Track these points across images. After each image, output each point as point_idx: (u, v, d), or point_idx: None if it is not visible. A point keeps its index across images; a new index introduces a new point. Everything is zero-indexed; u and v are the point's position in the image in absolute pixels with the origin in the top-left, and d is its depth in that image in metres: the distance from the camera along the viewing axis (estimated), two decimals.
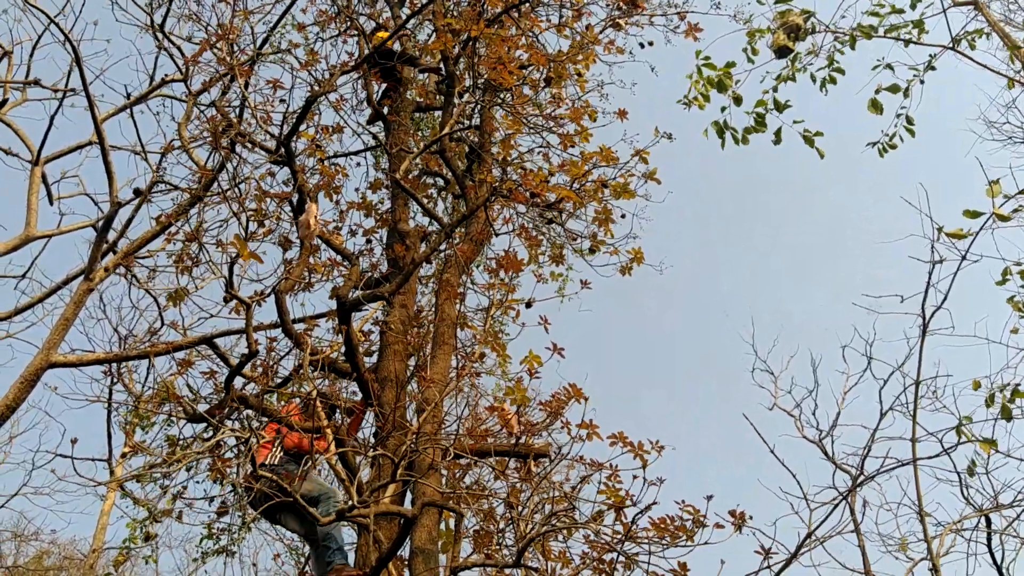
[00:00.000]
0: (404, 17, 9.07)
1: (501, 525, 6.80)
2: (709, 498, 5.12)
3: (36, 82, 8.10)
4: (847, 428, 5.73)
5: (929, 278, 3.73)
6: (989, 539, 5.64)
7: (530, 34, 8.19)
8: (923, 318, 3.79)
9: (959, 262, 3.77)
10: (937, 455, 3.71)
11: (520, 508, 6.46)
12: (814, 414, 5.84)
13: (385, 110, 8.74)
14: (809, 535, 3.79)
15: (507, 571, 6.14)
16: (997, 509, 5.61)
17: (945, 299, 3.76)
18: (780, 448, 5.06)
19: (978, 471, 4.26)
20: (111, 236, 7.41)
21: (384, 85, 8.95)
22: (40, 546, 14.62)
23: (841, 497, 4.02)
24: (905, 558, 6.29)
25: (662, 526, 6.44)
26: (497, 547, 6.64)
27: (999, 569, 5.83)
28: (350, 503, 4.90)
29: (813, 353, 6.09)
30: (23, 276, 8.72)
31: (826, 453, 5.57)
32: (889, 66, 5.57)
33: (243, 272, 7.11)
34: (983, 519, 5.86)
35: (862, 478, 4.04)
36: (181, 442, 6.20)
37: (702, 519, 6.18)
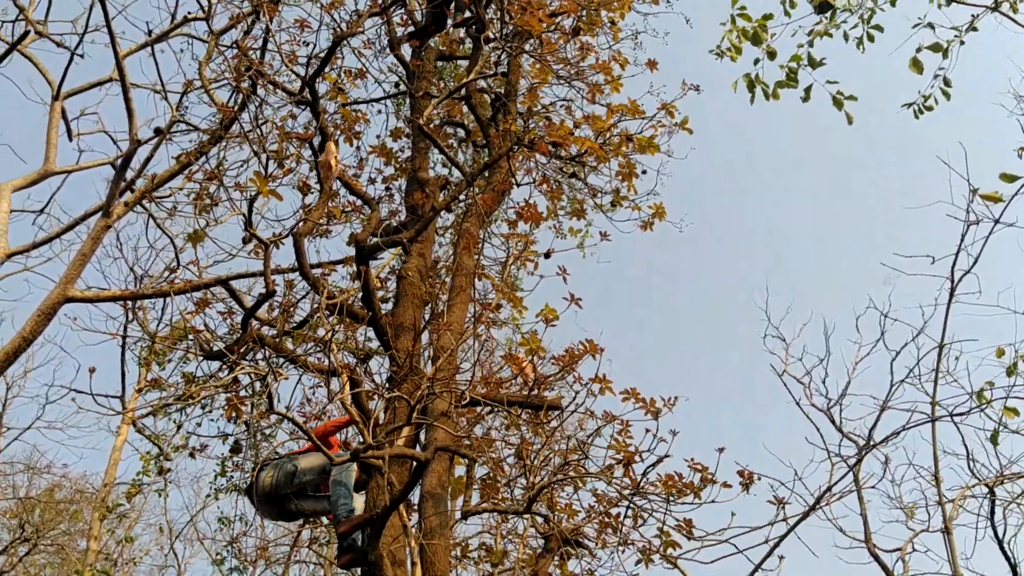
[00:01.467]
0: None
1: (511, 474, 6.84)
2: (721, 450, 5.11)
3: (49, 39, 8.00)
4: (857, 398, 5.71)
5: (962, 239, 3.66)
6: (992, 513, 5.64)
7: None
8: (952, 281, 3.73)
9: (992, 224, 3.71)
10: (961, 414, 3.67)
11: (531, 458, 6.49)
12: (824, 383, 5.82)
13: (409, 55, 8.62)
14: (827, 490, 3.78)
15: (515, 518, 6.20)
16: (1003, 479, 5.60)
17: (976, 262, 3.71)
18: (789, 417, 5.04)
19: (1000, 440, 4.22)
20: (129, 175, 7.40)
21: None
22: (52, 479, 14.88)
23: (856, 459, 4.00)
24: (908, 528, 6.31)
25: (670, 483, 6.47)
26: (506, 496, 6.69)
27: (1000, 543, 5.84)
28: (364, 444, 4.92)
29: (827, 321, 6.06)
30: (41, 211, 8.73)
31: (833, 422, 5.55)
32: (930, 24, 5.42)
33: (262, 211, 7.10)
34: (988, 491, 5.86)
35: (877, 439, 4.02)
36: (197, 379, 6.23)
37: (711, 476, 6.21)
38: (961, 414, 3.65)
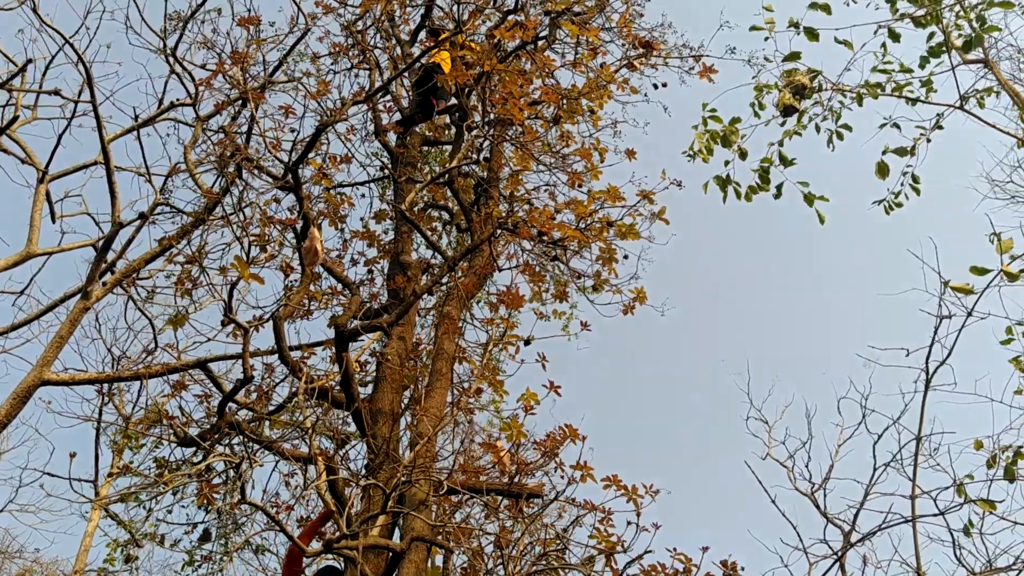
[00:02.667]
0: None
1: (490, 565, 6.67)
2: (705, 549, 5.02)
3: (56, 92, 8.14)
4: (841, 482, 5.66)
5: (935, 332, 3.69)
6: None
7: (544, 71, 8.25)
8: (927, 372, 3.74)
9: (965, 318, 3.74)
10: (938, 514, 3.64)
11: (510, 548, 6.35)
12: (807, 466, 5.77)
13: (393, 140, 8.76)
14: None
15: None
16: (992, 573, 5.52)
17: (950, 354, 3.73)
18: (774, 497, 4.99)
19: (974, 531, 4.17)
20: (110, 256, 7.40)
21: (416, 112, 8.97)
22: (23, 564, 14.39)
23: (835, 557, 3.94)
24: None
25: (653, 573, 6.34)
26: None
27: None
28: (338, 534, 4.80)
29: (808, 404, 6.05)
30: (21, 292, 8.69)
31: (818, 507, 5.49)
32: (896, 125, 5.57)
33: (242, 296, 7.09)
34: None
35: (856, 536, 3.97)
36: (170, 465, 6.11)
37: (693, 569, 6.09)
38: (940, 513, 3.62)
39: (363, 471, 6.18)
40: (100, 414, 7.54)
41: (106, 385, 7.62)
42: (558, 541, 5.87)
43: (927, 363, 3.75)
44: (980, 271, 3.70)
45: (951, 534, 5.21)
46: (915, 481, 3.57)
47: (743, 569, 5.95)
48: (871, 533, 3.75)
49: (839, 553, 4.02)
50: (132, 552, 6.66)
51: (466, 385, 7.42)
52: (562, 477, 6.61)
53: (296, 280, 7.93)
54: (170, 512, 6.69)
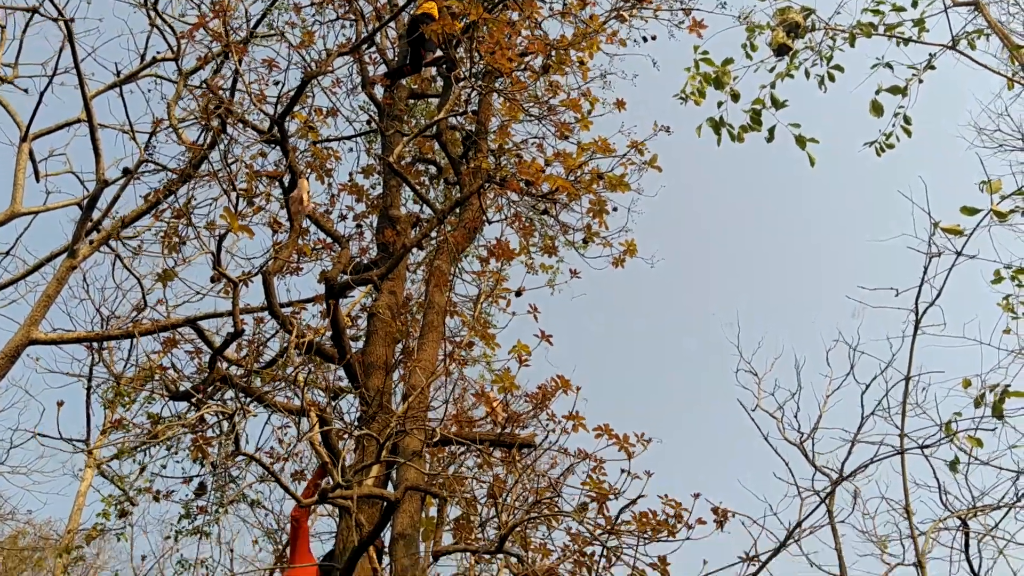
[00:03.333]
0: (400, 3, 8.99)
1: (483, 513, 6.75)
2: (696, 496, 5.07)
3: (35, 10, 7.93)
4: (828, 431, 5.72)
5: (925, 272, 3.70)
6: (967, 544, 5.65)
7: (532, 21, 8.13)
8: (916, 313, 3.77)
9: (954, 258, 3.75)
10: (926, 446, 3.67)
11: (503, 497, 6.41)
12: (796, 416, 5.84)
13: (380, 93, 8.65)
14: (798, 525, 3.76)
15: (488, 557, 6.10)
16: (976, 512, 5.61)
17: (939, 294, 3.74)
18: (762, 450, 5.04)
19: (960, 469, 4.23)
20: (96, 215, 7.34)
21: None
22: (16, 526, 14.48)
23: (822, 496, 4.00)
24: (883, 562, 6.30)
25: (644, 521, 6.42)
26: (479, 536, 6.59)
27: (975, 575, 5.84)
28: (332, 484, 4.83)
29: (798, 355, 6.10)
30: (7, 253, 8.63)
31: (807, 456, 5.56)
32: (888, 65, 5.54)
33: (232, 249, 7.04)
34: (961, 524, 5.87)
35: (848, 472, 4.01)
36: (162, 420, 6.11)
37: (685, 514, 6.18)
38: (928, 446, 3.66)
39: (356, 423, 6.20)
40: (91, 372, 7.53)
41: (95, 344, 7.61)
42: (551, 490, 5.93)
43: (916, 304, 3.77)
44: (970, 211, 3.70)
45: (936, 478, 5.30)
46: (904, 417, 3.60)
47: (733, 515, 6.05)
48: (862, 466, 3.79)
49: (827, 493, 4.08)
50: (127, 507, 6.67)
51: (458, 338, 7.42)
52: (554, 428, 6.67)
53: (285, 237, 7.89)
54: (164, 467, 6.68)
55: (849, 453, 5.16)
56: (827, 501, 5.46)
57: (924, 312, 3.77)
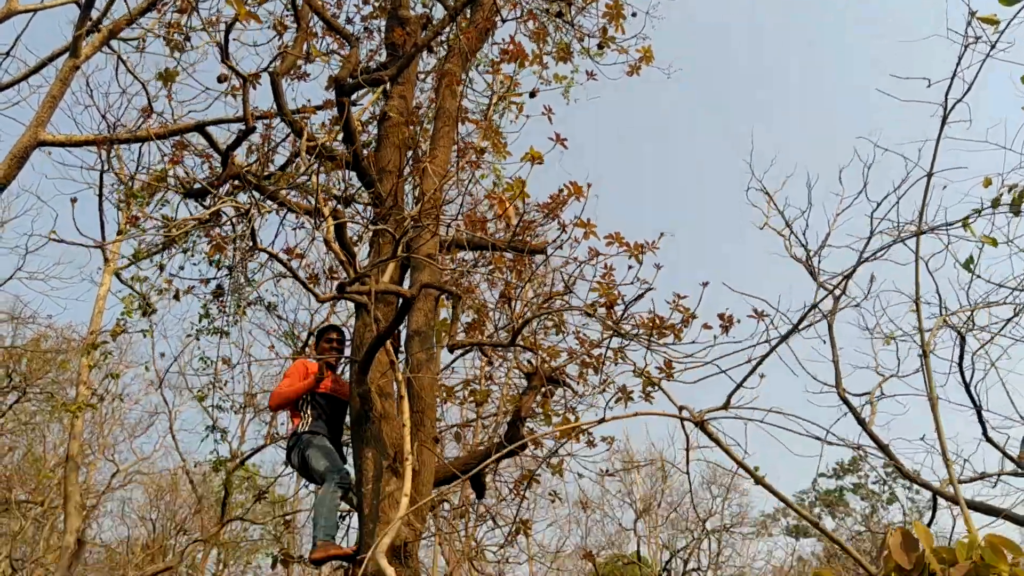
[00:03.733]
0: None
1: (496, 317, 6.94)
2: (704, 284, 5.16)
3: None
4: (836, 250, 5.74)
5: (958, 62, 3.58)
6: (961, 358, 5.81)
7: None
8: (944, 107, 3.68)
9: (988, 50, 3.62)
10: (952, 223, 3.65)
11: (515, 300, 6.56)
12: (804, 234, 5.85)
13: None
14: (811, 308, 3.86)
15: (500, 352, 6.33)
16: (973, 319, 5.73)
17: (970, 88, 3.64)
18: (769, 267, 5.07)
19: (974, 268, 4.28)
20: (95, 13, 7.07)
21: None
22: (37, 329, 14.99)
23: (843, 277, 4.06)
24: (876, 374, 6.51)
25: (652, 324, 6.60)
26: (491, 336, 6.80)
27: (967, 387, 6.05)
28: (348, 279, 4.93)
29: (811, 174, 6.03)
30: (7, 54, 8.39)
31: (812, 274, 5.62)
32: None
33: (240, 37, 6.82)
34: (958, 338, 6.02)
35: (862, 259, 4.03)
36: (177, 222, 6.15)
37: (692, 316, 6.35)
38: (951, 223, 3.67)
39: (371, 220, 6.23)
40: (102, 176, 7.52)
41: (105, 147, 7.55)
42: (563, 289, 6.05)
43: (946, 97, 3.68)
44: (1009, 1, 3.54)
45: (938, 295, 5.37)
46: (923, 213, 3.60)
47: (738, 322, 6.21)
48: (879, 252, 3.83)
49: (841, 279, 4.12)
50: (150, 304, 6.87)
51: (470, 141, 7.34)
52: (565, 237, 6.73)
53: (292, 37, 7.64)
54: (182, 268, 6.83)
55: (853, 271, 5.21)
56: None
57: (952, 107, 3.69)
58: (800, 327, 3.74)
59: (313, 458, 5.66)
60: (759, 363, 3.48)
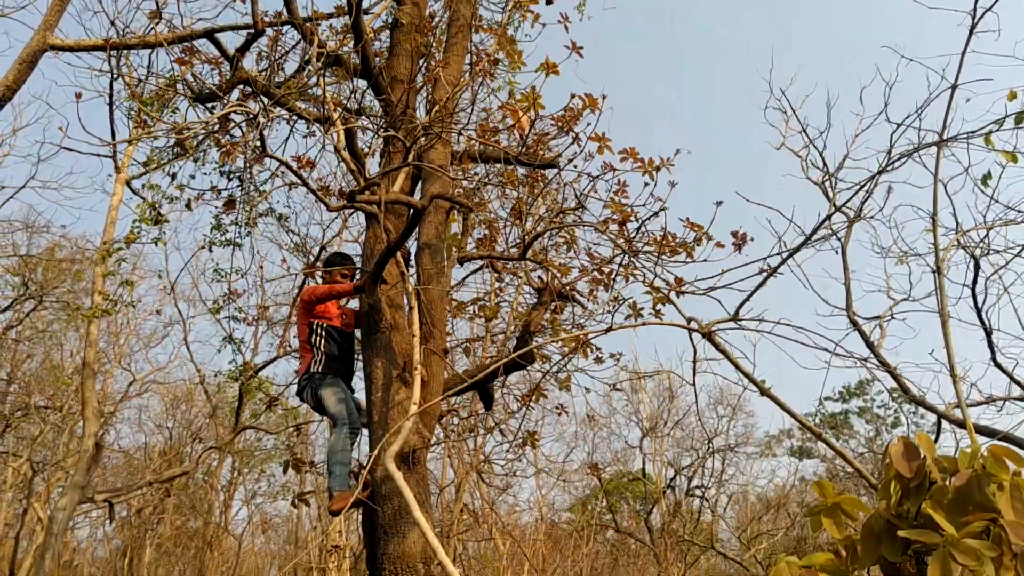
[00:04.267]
0: None
1: (506, 231, 6.91)
2: (719, 203, 5.10)
3: None
4: (854, 174, 5.62)
5: None
6: (974, 282, 5.77)
7: None
8: (973, 16, 3.54)
9: None
10: (974, 133, 3.56)
11: (526, 215, 6.52)
12: (822, 155, 5.73)
13: None
14: (825, 219, 3.81)
15: (511, 267, 6.32)
16: (988, 251, 5.65)
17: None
18: (784, 189, 4.97)
19: (991, 184, 4.20)
20: None
21: None
22: (51, 239, 15.07)
23: (859, 185, 4.00)
24: (888, 298, 6.49)
25: (664, 242, 6.57)
26: (501, 251, 6.79)
27: (978, 311, 6.02)
28: (357, 190, 4.88)
29: (831, 93, 5.86)
30: None
31: (827, 195, 5.53)
32: None
33: None
34: (972, 263, 5.96)
35: (880, 169, 3.96)
36: (187, 124, 6.09)
37: (704, 234, 6.30)
38: (972, 132, 3.58)
39: (382, 127, 6.15)
40: (112, 82, 7.42)
41: (114, 53, 7.43)
42: (575, 205, 6.01)
43: (975, 7, 3.54)
44: None
45: (955, 218, 5.29)
46: (946, 126, 3.51)
47: (752, 240, 6.16)
48: (902, 158, 3.75)
49: (865, 186, 4.06)
50: (161, 215, 6.85)
51: (484, 55, 7.18)
52: (579, 149, 6.64)
53: None
54: (193, 178, 6.80)
55: (873, 187, 5.12)
56: (843, 240, 5.53)
57: (981, 16, 3.56)
58: (812, 239, 3.70)
59: (327, 399, 5.69)
60: (770, 274, 3.45)
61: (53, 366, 17.20)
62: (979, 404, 6.14)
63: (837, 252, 4.37)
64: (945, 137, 3.53)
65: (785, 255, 3.56)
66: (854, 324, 5.63)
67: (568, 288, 6.63)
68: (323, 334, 5.92)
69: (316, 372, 5.80)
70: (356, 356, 6.22)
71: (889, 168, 3.74)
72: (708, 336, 2.99)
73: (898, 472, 2.20)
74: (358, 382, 6.17)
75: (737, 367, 3.04)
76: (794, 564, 2.65)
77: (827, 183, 5.69)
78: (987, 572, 1.94)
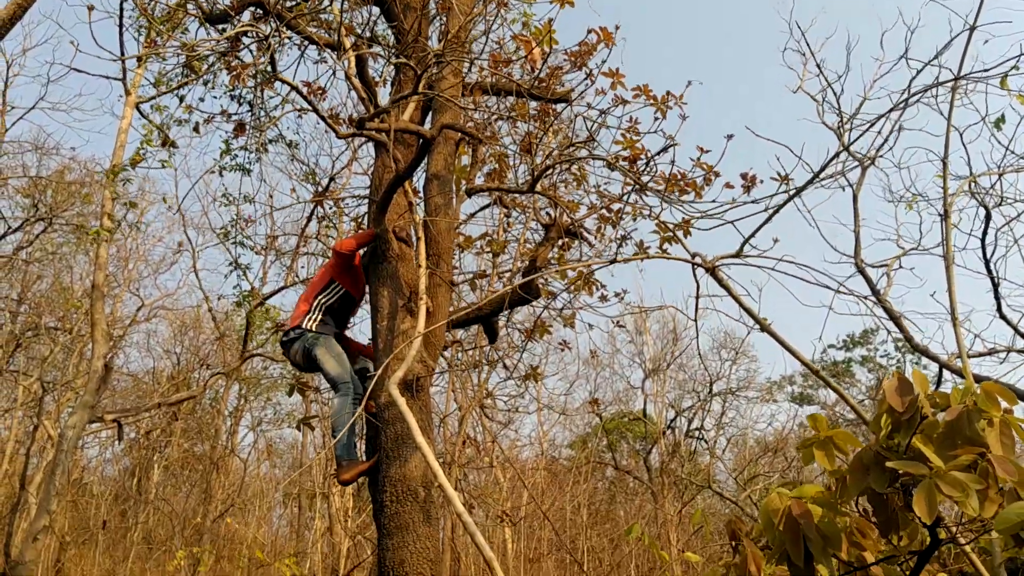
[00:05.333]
0: None
1: (516, 164, 6.88)
2: (729, 137, 5.06)
3: None
4: (870, 117, 5.53)
5: None
6: (984, 233, 5.74)
7: None
8: None
9: None
10: (988, 70, 3.51)
11: (535, 149, 6.48)
12: (839, 100, 5.65)
13: None
14: (833, 157, 3.80)
15: (519, 200, 6.31)
16: (1001, 200, 5.62)
17: None
18: (799, 133, 4.89)
19: (1003, 127, 4.16)
20: None
21: None
22: (61, 161, 15.06)
23: (870, 123, 3.96)
24: (897, 247, 6.47)
25: (673, 181, 6.54)
26: (510, 184, 6.76)
27: (987, 263, 6.01)
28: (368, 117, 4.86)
29: (851, 35, 5.73)
30: None
31: (840, 140, 5.47)
32: None
33: None
34: (984, 212, 5.93)
35: (902, 100, 3.91)
36: (198, 47, 6.03)
37: (714, 172, 6.27)
38: (988, 70, 3.53)
39: (393, 53, 6.08)
40: (121, 2, 7.33)
41: None
42: (586, 139, 5.96)
43: None
44: None
45: (969, 167, 5.24)
46: (962, 64, 3.46)
47: (762, 182, 6.13)
48: (917, 94, 3.71)
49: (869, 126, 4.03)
50: (169, 139, 6.83)
51: None
52: (591, 83, 6.57)
53: None
54: (202, 100, 6.75)
55: (887, 143, 5.06)
56: (856, 188, 5.49)
57: None
58: (820, 178, 3.68)
59: (324, 360, 5.39)
60: (776, 211, 3.45)
61: (63, 288, 17.35)
62: (981, 355, 6.16)
63: (845, 189, 4.34)
64: (958, 80, 3.48)
65: (792, 192, 3.55)
66: (861, 271, 5.63)
67: (576, 225, 6.63)
68: (336, 296, 5.65)
69: (309, 329, 5.50)
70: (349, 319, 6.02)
71: (903, 106, 3.70)
72: (711, 271, 3.01)
73: (890, 406, 2.23)
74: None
75: (739, 303, 3.06)
76: (785, 495, 2.71)
77: (842, 128, 5.65)
78: (971, 503, 1.99)
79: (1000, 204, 5.88)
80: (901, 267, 5.88)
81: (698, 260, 3.04)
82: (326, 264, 5.79)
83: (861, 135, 3.94)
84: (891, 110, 4.04)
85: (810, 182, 3.59)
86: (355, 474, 4.95)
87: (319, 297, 5.61)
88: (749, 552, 3.30)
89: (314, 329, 5.51)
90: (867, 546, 2.80)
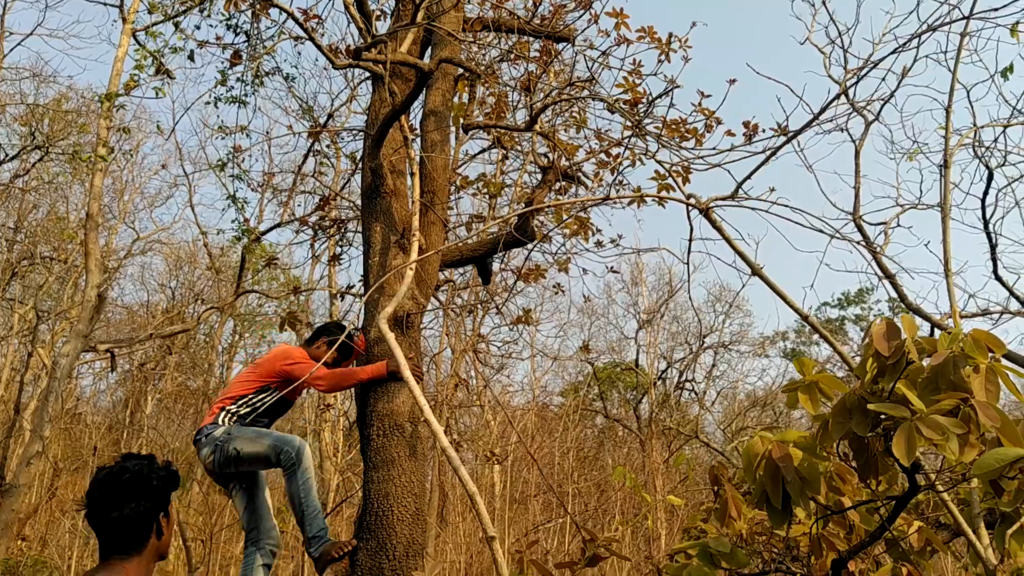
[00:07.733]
0: None
1: (515, 101, 6.79)
2: (732, 81, 4.98)
3: None
4: (878, 71, 5.39)
5: None
6: (985, 193, 5.69)
7: None
8: None
9: None
10: (997, 10, 3.42)
11: (535, 87, 6.38)
12: (846, 52, 5.53)
13: None
14: (834, 98, 3.73)
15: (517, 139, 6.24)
16: (1005, 161, 5.55)
17: None
18: (804, 85, 4.77)
19: (1010, 76, 4.08)
20: None
21: None
22: (59, 89, 14.85)
23: (872, 64, 3.88)
24: (897, 205, 6.41)
25: (673, 127, 6.46)
26: (509, 122, 6.67)
27: (985, 223, 5.96)
28: (364, 48, 4.75)
29: None
30: None
31: (846, 95, 5.37)
32: None
33: None
34: (987, 171, 5.87)
35: (899, 47, 3.83)
36: None
37: (715, 118, 6.20)
38: (997, 9, 3.45)
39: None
40: None
41: None
42: (587, 79, 5.88)
43: None
44: None
45: (973, 122, 5.16)
46: (972, 10, 3.37)
47: (763, 131, 6.05)
48: (924, 33, 3.62)
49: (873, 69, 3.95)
50: (163, 66, 6.71)
51: None
52: (595, 22, 6.44)
53: None
54: (198, 28, 6.63)
55: (889, 97, 4.96)
56: (857, 144, 5.40)
57: None
58: (819, 120, 3.62)
59: (247, 447, 4.58)
60: (773, 153, 3.40)
61: (58, 218, 17.26)
62: (975, 315, 6.15)
63: (843, 132, 4.27)
64: (970, 19, 3.40)
65: (791, 134, 3.49)
66: (859, 229, 5.59)
67: (574, 169, 6.56)
68: (267, 403, 4.84)
69: (221, 433, 4.64)
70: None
71: (915, 46, 3.62)
72: (705, 213, 2.97)
73: (877, 350, 2.22)
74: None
75: (732, 246, 3.03)
76: (767, 438, 2.71)
77: (846, 80, 5.55)
78: (951, 447, 1.98)
79: (1004, 164, 5.82)
80: (899, 225, 5.84)
81: (692, 201, 2.99)
82: (264, 367, 4.91)
83: (865, 75, 3.86)
84: (897, 50, 3.96)
85: (808, 124, 3.53)
86: (340, 553, 4.31)
87: (249, 401, 4.83)
88: (729, 495, 3.32)
89: (230, 428, 4.69)
90: (846, 491, 2.81)
